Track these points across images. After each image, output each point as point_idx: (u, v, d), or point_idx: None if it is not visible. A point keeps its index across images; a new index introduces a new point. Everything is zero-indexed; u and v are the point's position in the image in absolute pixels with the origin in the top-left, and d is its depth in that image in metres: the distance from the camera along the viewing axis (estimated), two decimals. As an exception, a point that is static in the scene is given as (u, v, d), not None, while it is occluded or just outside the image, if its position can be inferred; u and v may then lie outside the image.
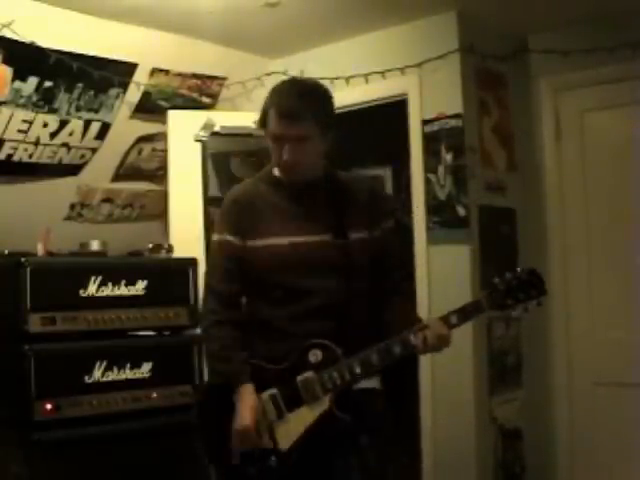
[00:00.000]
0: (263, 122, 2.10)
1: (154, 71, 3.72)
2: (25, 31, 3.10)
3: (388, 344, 1.97)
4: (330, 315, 2.02)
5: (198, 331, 3.20)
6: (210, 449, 2.14)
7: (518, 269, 2.02)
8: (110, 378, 2.94)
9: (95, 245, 3.35)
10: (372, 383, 2.11)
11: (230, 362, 2.06)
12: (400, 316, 2.10)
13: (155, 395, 3.04)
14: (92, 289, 2.96)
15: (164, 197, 4.04)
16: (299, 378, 1.99)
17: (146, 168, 4.12)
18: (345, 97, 3.82)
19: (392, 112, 3.78)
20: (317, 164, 2.14)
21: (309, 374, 1.99)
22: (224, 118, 3.94)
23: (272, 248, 2.07)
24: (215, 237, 2.18)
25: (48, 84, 3.35)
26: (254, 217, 2.11)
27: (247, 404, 2.01)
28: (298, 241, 2.07)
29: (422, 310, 3.56)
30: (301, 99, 2.04)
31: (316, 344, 2.00)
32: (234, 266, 2.12)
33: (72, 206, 3.89)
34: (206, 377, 2.88)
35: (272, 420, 2.01)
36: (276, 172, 2.17)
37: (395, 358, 1.98)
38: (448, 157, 3.51)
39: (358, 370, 1.97)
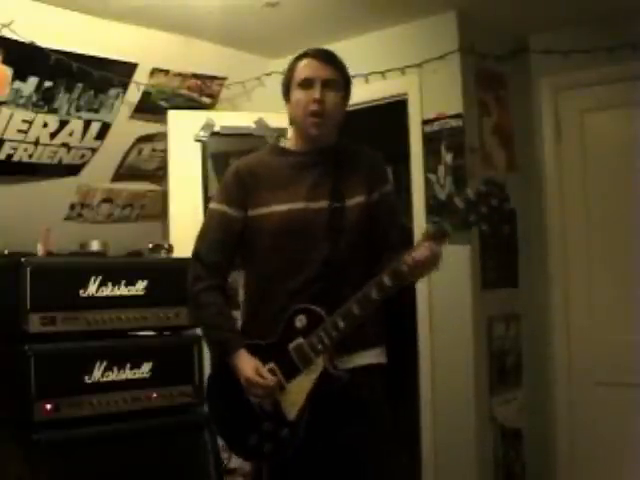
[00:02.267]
0: (287, 88, 2.18)
1: (154, 71, 3.72)
2: (25, 31, 3.10)
3: (365, 291, 1.97)
4: (323, 279, 2.04)
5: (198, 331, 3.20)
6: (227, 438, 2.17)
7: (479, 186, 1.97)
8: (110, 378, 2.93)
9: (95, 245, 3.35)
10: (375, 358, 2.13)
11: (221, 329, 2.11)
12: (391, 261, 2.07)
13: (155, 395, 3.03)
14: (92, 289, 2.96)
15: (164, 197, 4.04)
16: (290, 346, 2.02)
17: (146, 168, 4.12)
18: (345, 97, 3.83)
19: (392, 112, 3.78)
20: (335, 129, 2.18)
21: (299, 340, 2.02)
22: (224, 118, 3.94)
23: (273, 215, 2.10)
24: (212, 205, 2.22)
25: (48, 84, 3.35)
26: (256, 186, 2.14)
27: (245, 361, 2.05)
28: (297, 207, 2.10)
29: (422, 310, 3.57)
30: (330, 51, 2.20)
31: (299, 309, 2.03)
32: (224, 237, 2.16)
33: (72, 206, 3.88)
34: (206, 378, 2.90)
35: (275, 393, 2.04)
36: (282, 143, 2.26)
37: (374, 303, 1.97)
38: (448, 157, 3.51)
39: (342, 324, 1.98)
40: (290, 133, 2.28)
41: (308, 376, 2.00)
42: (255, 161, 2.22)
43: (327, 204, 2.09)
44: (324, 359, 2.00)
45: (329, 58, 2.15)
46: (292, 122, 2.19)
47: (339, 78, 2.14)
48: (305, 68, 2.13)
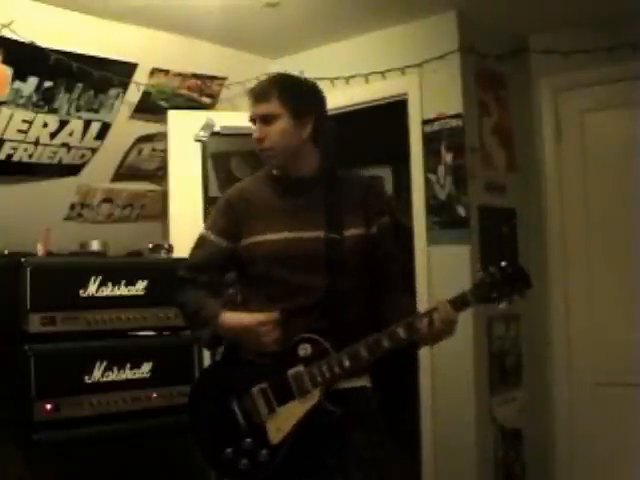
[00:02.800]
0: None
1: (154, 71, 3.72)
2: (25, 31, 3.10)
3: (377, 337, 1.96)
4: (322, 312, 2.02)
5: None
6: (201, 445, 2.13)
7: (503, 263, 1.99)
8: (110, 378, 2.94)
9: (95, 245, 3.35)
10: (362, 381, 2.11)
11: (201, 311, 2.11)
12: (400, 310, 2.08)
13: (155, 395, 3.04)
14: (92, 289, 2.96)
15: (164, 197, 4.04)
16: (289, 372, 2.00)
17: (146, 168, 4.12)
18: (345, 97, 3.83)
19: (392, 112, 3.78)
20: (304, 155, 2.14)
21: (299, 368, 1.99)
22: (224, 118, 3.94)
23: (266, 244, 2.08)
24: (201, 231, 2.23)
25: (48, 84, 3.35)
26: (248, 215, 2.13)
27: (237, 315, 2.07)
28: (291, 237, 2.07)
29: (422, 310, 3.56)
30: (269, 81, 2.16)
31: (305, 338, 2.01)
32: (208, 262, 2.17)
33: (72, 206, 3.88)
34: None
35: (263, 414, 2.01)
36: (274, 171, 2.18)
37: (383, 351, 1.96)
38: (448, 157, 3.51)
39: (347, 364, 1.96)
40: None
41: (301, 405, 1.98)
42: (246, 190, 2.20)
43: (323, 234, 2.07)
44: (321, 392, 1.98)
45: (263, 92, 2.12)
46: None
47: (278, 108, 2.08)
48: (249, 108, 2.16)
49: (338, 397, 1.99)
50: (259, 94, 2.12)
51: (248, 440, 2.00)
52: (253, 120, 2.13)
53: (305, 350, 2.00)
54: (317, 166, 2.17)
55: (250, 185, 2.22)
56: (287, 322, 2.03)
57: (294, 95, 2.12)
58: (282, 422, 1.99)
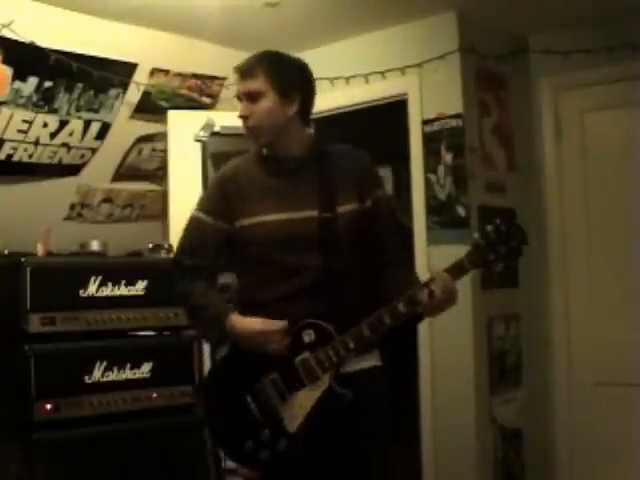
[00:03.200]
0: None
1: (154, 71, 3.72)
2: (25, 31, 3.10)
3: (378, 315, 1.95)
4: (319, 293, 2.01)
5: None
6: (221, 439, 2.15)
7: (497, 221, 1.94)
8: (110, 378, 2.94)
9: (95, 245, 3.35)
10: (372, 360, 2.11)
11: (208, 307, 2.09)
12: (400, 284, 2.04)
13: (155, 395, 3.04)
14: (92, 289, 2.96)
15: (164, 197, 4.04)
16: (297, 359, 2.00)
17: (146, 168, 4.12)
18: (345, 97, 3.83)
19: (392, 112, 3.78)
20: (292, 134, 2.11)
21: (305, 354, 1.99)
22: (224, 118, 3.93)
23: (259, 226, 2.07)
24: (192, 213, 2.20)
25: (48, 84, 3.35)
26: (240, 197, 2.11)
27: (245, 319, 2.04)
28: (284, 218, 2.06)
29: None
30: (256, 58, 2.12)
31: (308, 324, 2.00)
32: (201, 243, 2.14)
33: (72, 206, 3.88)
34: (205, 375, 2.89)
35: (276, 404, 2.01)
36: (263, 150, 2.17)
37: (386, 328, 1.95)
38: (448, 157, 3.51)
39: (352, 345, 1.96)
40: None
41: (312, 391, 1.99)
42: (238, 169, 2.18)
43: (316, 213, 2.05)
44: (330, 376, 1.98)
45: (249, 69, 2.09)
46: None
47: (264, 85, 2.06)
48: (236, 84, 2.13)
49: (348, 381, 1.99)
50: (245, 71, 2.10)
51: (266, 431, 2.02)
52: (239, 98, 2.11)
53: (309, 336, 2.00)
54: (306, 145, 2.14)
55: (240, 165, 2.21)
56: (285, 305, 2.03)
57: (281, 72, 2.09)
58: (296, 410, 2.00)
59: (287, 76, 2.10)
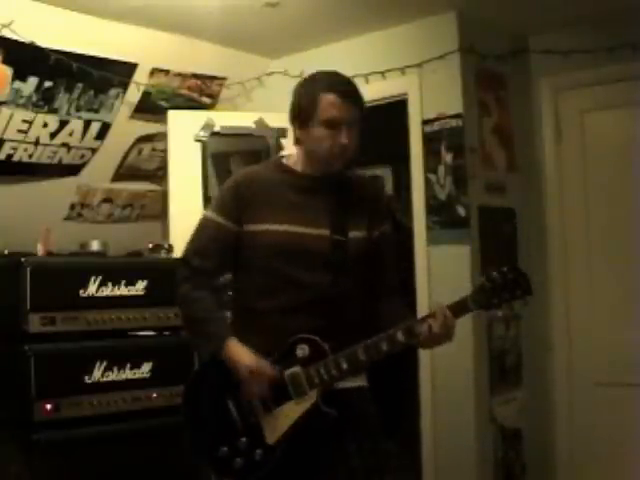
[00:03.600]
0: (305, 117, 2.06)
1: (154, 71, 3.72)
2: (25, 31, 3.10)
3: (376, 340, 1.96)
4: (321, 311, 2.01)
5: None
6: (196, 443, 2.11)
7: (504, 268, 1.98)
8: (110, 378, 2.94)
9: (95, 245, 3.35)
10: (358, 381, 2.10)
11: (210, 322, 2.06)
12: (396, 316, 2.07)
13: (155, 395, 3.04)
14: (92, 289, 2.96)
15: (164, 197, 4.04)
16: (286, 372, 1.99)
17: (146, 168, 4.12)
18: (345, 97, 3.82)
19: (392, 112, 3.78)
20: None
21: (296, 369, 1.98)
22: (224, 118, 3.94)
23: (269, 234, 2.06)
24: (206, 213, 2.18)
25: (48, 84, 3.35)
26: (254, 201, 2.09)
27: (241, 349, 2.00)
28: (295, 231, 2.06)
29: (422, 310, 3.57)
30: (354, 84, 2.10)
31: (303, 339, 2.00)
32: (214, 245, 2.12)
33: (72, 206, 3.89)
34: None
35: (259, 414, 2.00)
36: (286, 161, 2.16)
37: (382, 354, 1.96)
38: (448, 157, 3.51)
39: (345, 366, 1.96)
40: (296, 152, 2.18)
41: (298, 406, 1.98)
42: (256, 175, 2.16)
43: (328, 233, 2.06)
44: (317, 393, 1.97)
45: (356, 98, 2.06)
46: (308, 151, 2.10)
47: (360, 115, 2.08)
48: (332, 107, 2.02)
49: (334, 398, 1.99)
50: (354, 98, 2.06)
51: (243, 439, 2.00)
52: (337, 123, 2.03)
53: (303, 350, 1.99)
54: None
55: (259, 173, 2.18)
56: (285, 317, 2.02)
57: (364, 104, 2.12)
58: (278, 422, 1.98)
59: (365, 108, 2.13)
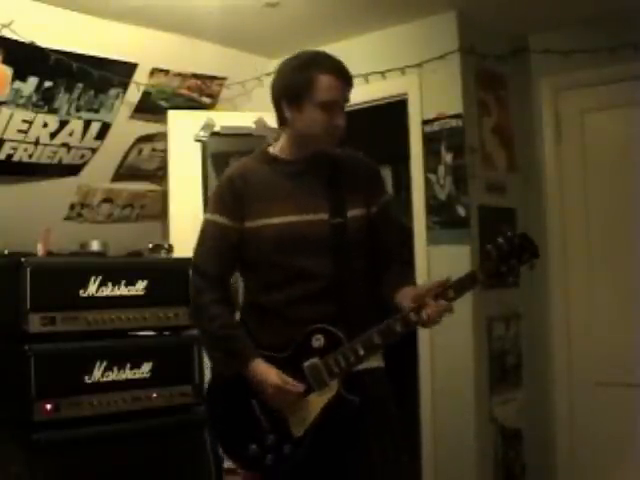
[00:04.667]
0: (297, 96, 2.02)
1: (154, 71, 3.72)
2: (25, 31, 3.10)
3: (389, 323, 1.96)
4: (329, 298, 2.01)
5: (196, 332, 3.20)
6: (224, 442, 2.12)
7: (509, 233, 1.97)
8: (110, 378, 2.93)
9: (95, 245, 3.34)
10: (375, 362, 2.11)
11: (234, 340, 2.04)
12: (398, 282, 2.08)
13: (155, 395, 3.03)
14: (92, 289, 2.96)
15: (164, 197, 4.04)
16: (305, 364, 1.99)
17: (146, 168, 4.12)
18: (345, 97, 3.82)
19: (392, 112, 3.78)
20: None
21: (314, 360, 1.99)
22: (224, 118, 3.94)
23: (269, 228, 2.04)
24: (206, 216, 2.16)
25: (48, 84, 3.35)
26: (250, 197, 2.07)
27: (266, 368, 1.99)
28: (294, 220, 2.04)
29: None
30: (347, 68, 2.08)
31: (318, 329, 2.00)
32: (221, 247, 2.09)
33: (72, 206, 3.89)
34: (206, 377, 2.89)
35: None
36: (272, 150, 2.14)
37: (397, 336, 1.97)
38: (448, 157, 3.51)
39: (362, 352, 1.97)
40: (281, 138, 2.15)
41: (320, 396, 1.98)
42: (247, 170, 2.14)
43: (327, 217, 2.05)
44: (339, 382, 1.98)
45: (351, 78, 2.06)
46: (298, 134, 2.07)
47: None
48: (330, 89, 2.00)
49: (354, 383, 1.99)
50: (349, 77, 2.05)
51: (271, 436, 2.01)
52: (333, 104, 2.01)
53: (319, 341, 1.99)
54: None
55: (248, 165, 2.16)
56: (295, 308, 2.02)
57: None
58: (304, 414, 1.99)
59: None
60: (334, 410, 1.98)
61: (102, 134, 3.73)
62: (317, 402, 1.99)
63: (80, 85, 3.46)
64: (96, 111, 3.62)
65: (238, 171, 2.15)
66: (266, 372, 1.99)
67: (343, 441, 2.01)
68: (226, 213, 2.09)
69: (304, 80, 2.01)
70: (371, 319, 2.01)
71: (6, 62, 3.16)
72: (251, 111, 4.03)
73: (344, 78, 2.03)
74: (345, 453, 2.02)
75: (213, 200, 2.17)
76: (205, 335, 2.15)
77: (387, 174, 4.76)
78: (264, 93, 4.04)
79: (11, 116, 3.32)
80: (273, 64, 4.07)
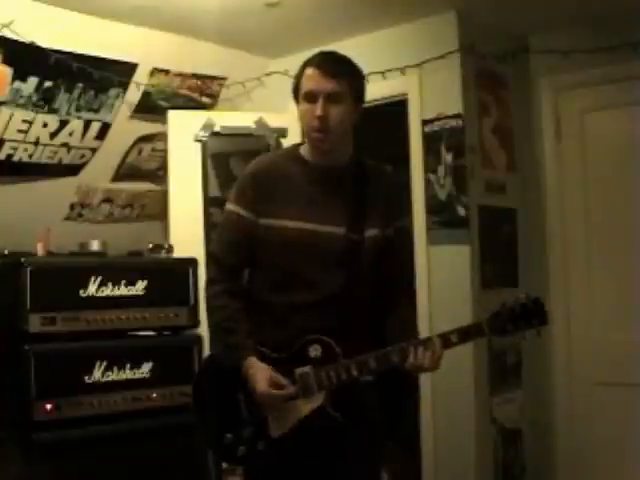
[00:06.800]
0: (296, 93, 2.07)
1: (154, 71, 3.72)
2: (25, 31, 3.10)
3: (387, 352, 1.96)
4: (332, 311, 2.01)
5: (198, 331, 3.20)
6: (204, 427, 2.13)
7: (522, 295, 1.99)
8: (110, 378, 2.94)
9: (95, 245, 3.35)
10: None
11: (234, 334, 2.04)
12: (403, 322, 2.11)
13: (155, 395, 3.04)
14: (92, 289, 2.96)
15: (164, 197, 4.04)
16: (297, 371, 1.99)
17: (146, 168, 4.12)
18: (345, 97, 3.82)
19: (392, 112, 3.78)
20: (344, 142, 2.10)
21: (307, 368, 1.98)
22: (224, 118, 3.94)
23: (283, 230, 2.04)
24: (228, 206, 2.14)
25: (48, 84, 3.35)
26: (271, 195, 2.06)
27: (258, 370, 1.99)
28: (309, 228, 2.03)
29: (422, 310, 3.57)
30: (341, 59, 2.08)
31: (317, 339, 1.99)
32: (240, 239, 2.10)
33: (72, 206, 3.89)
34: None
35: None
36: (302, 151, 2.13)
37: (392, 366, 1.97)
38: (448, 157, 3.51)
39: (355, 372, 1.96)
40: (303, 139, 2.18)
41: (305, 405, 1.98)
42: (272, 166, 2.13)
43: (344, 232, 2.04)
44: (325, 395, 1.98)
45: (335, 69, 2.01)
46: (303, 132, 2.11)
47: (345, 89, 2.01)
48: (309, 80, 2.02)
49: (341, 397, 1.99)
50: (332, 69, 2.02)
51: (249, 429, 2.01)
52: (313, 96, 2.00)
53: (316, 351, 1.99)
54: (350, 156, 2.13)
55: (276, 162, 2.15)
56: (298, 315, 2.02)
57: (358, 78, 2.09)
58: (284, 418, 1.99)
59: (361, 83, 2.10)
60: (315, 421, 1.98)
61: (102, 134, 3.73)
62: (301, 409, 1.98)
63: (80, 85, 3.46)
64: (96, 111, 3.62)
65: (264, 167, 2.14)
66: (257, 376, 1.99)
67: (320, 454, 2.01)
68: (245, 205, 2.09)
69: (297, 77, 2.09)
70: (369, 341, 2.01)
71: (6, 62, 3.16)
72: (251, 111, 4.03)
73: (323, 68, 2.02)
74: (321, 467, 2.01)
75: (236, 191, 2.15)
76: (210, 326, 2.17)
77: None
78: (264, 93, 4.10)
79: (11, 116, 3.32)
80: (273, 64, 4.09)
